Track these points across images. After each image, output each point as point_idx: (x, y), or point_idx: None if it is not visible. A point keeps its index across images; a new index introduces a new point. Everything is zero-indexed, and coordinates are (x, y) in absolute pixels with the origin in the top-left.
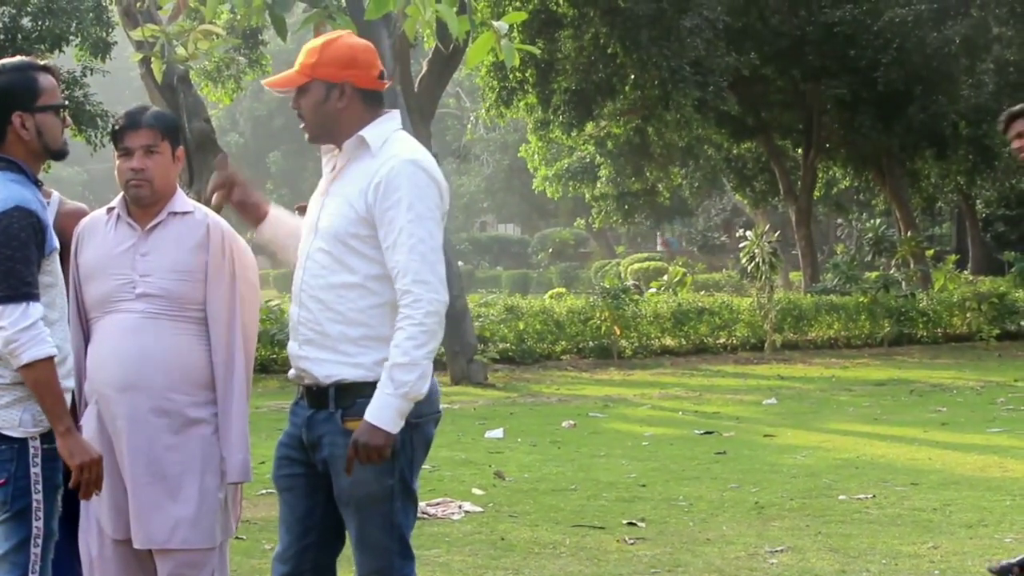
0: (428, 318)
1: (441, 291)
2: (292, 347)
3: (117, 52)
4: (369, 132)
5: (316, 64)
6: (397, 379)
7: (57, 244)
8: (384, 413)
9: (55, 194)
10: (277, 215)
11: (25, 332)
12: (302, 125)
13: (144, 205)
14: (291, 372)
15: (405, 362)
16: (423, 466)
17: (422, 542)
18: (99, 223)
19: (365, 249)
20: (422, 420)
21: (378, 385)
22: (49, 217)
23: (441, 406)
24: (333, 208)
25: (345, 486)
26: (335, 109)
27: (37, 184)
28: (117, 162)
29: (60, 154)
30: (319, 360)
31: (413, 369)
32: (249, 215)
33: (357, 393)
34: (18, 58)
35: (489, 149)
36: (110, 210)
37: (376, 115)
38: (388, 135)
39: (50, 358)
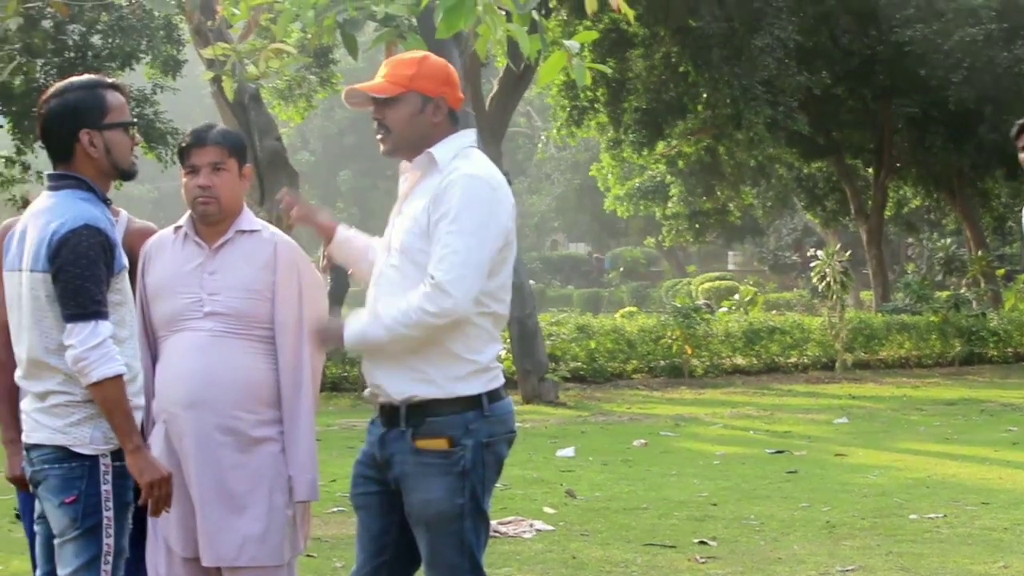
0: (424, 317)
1: (457, 307)
2: (366, 365)
3: (188, 70)
4: (438, 149)
5: (414, 76)
6: (382, 322)
7: (126, 263)
8: (354, 329)
9: (123, 213)
10: (346, 236)
11: (94, 350)
12: (380, 136)
13: (211, 223)
14: (367, 391)
15: (386, 324)
16: (495, 485)
17: (493, 560)
18: (166, 242)
19: (426, 262)
20: (495, 439)
21: (368, 315)
22: (118, 235)
23: (515, 426)
24: (401, 226)
25: (416, 504)
26: (429, 122)
27: (106, 202)
28: (184, 180)
29: (129, 173)
30: (392, 377)
31: (384, 333)
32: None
33: (428, 412)
34: (87, 76)
35: (560, 168)
36: (177, 229)
37: (454, 133)
38: (458, 151)
39: (119, 376)
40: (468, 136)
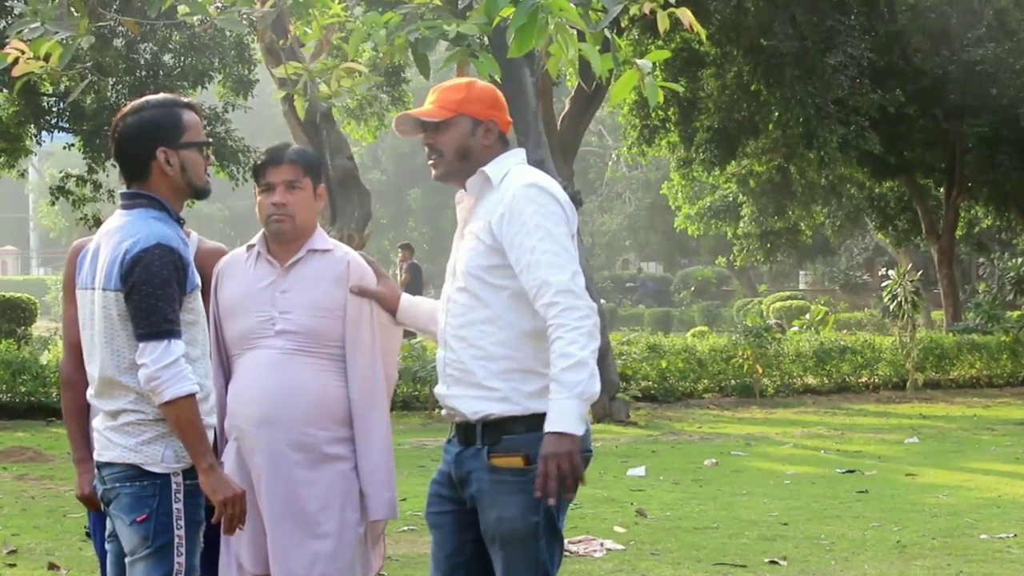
0: (583, 321)
1: (586, 297)
2: (440, 389)
3: (259, 89)
4: (491, 168)
5: (464, 100)
6: (568, 380)
7: (199, 282)
8: (564, 417)
9: (193, 233)
10: (412, 301)
11: (167, 369)
12: (432, 161)
13: (285, 241)
14: (443, 411)
15: (572, 363)
16: (568, 509)
17: None
18: (239, 260)
19: (497, 279)
20: None
21: (550, 397)
22: (190, 254)
23: (592, 445)
24: (465, 248)
25: (491, 522)
26: (480, 145)
27: (179, 222)
28: (259, 198)
29: (203, 192)
30: (466, 398)
31: (582, 368)
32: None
33: (503, 429)
34: (163, 95)
35: (631, 187)
36: (250, 247)
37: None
38: (509, 168)
39: (192, 395)
40: (519, 154)
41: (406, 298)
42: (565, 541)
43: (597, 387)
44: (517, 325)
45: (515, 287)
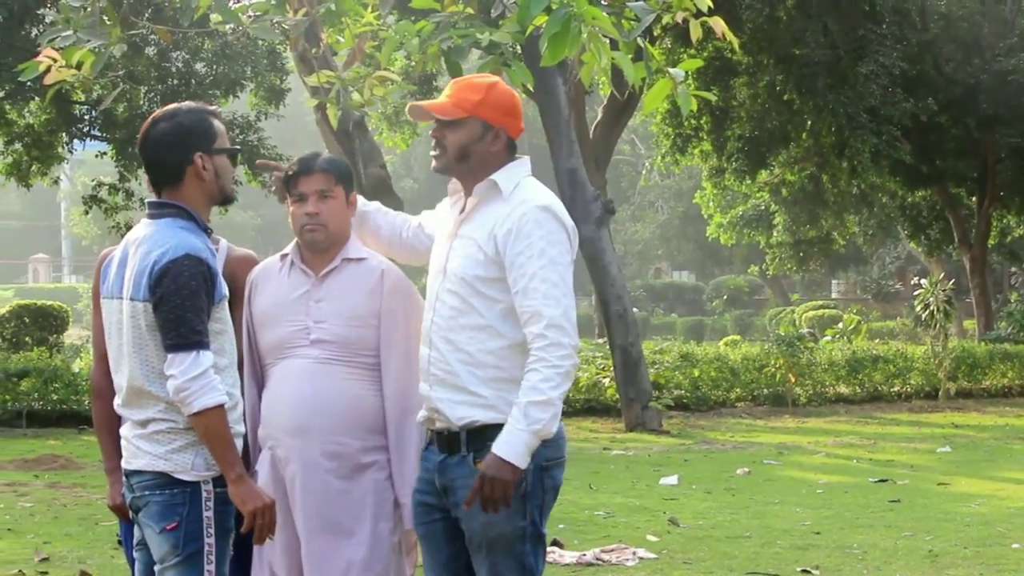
0: (563, 361)
1: (574, 336)
2: (423, 388)
3: (292, 97)
4: (500, 176)
5: (480, 103)
6: (531, 415)
7: (227, 291)
8: (513, 447)
9: (223, 241)
10: (372, 209)
11: (195, 380)
12: (435, 153)
13: (319, 250)
14: (420, 414)
15: (540, 400)
16: (597, 512)
17: None
18: (273, 269)
19: (492, 292)
20: (551, 464)
21: (509, 420)
22: (218, 264)
23: (566, 452)
24: (462, 251)
25: (476, 528)
26: (487, 151)
27: (207, 231)
28: (291, 208)
29: (231, 199)
30: (451, 402)
31: (547, 407)
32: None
33: (488, 436)
34: (191, 102)
35: (664, 196)
36: (284, 256)
37: (511, 161)
38: (519, 180)
39: (220, 406)
40: (526, 165)
41: (365, 204)
42: (596, 550)
43: (555, 428)
44: (508, 336)
45: (509, 302)
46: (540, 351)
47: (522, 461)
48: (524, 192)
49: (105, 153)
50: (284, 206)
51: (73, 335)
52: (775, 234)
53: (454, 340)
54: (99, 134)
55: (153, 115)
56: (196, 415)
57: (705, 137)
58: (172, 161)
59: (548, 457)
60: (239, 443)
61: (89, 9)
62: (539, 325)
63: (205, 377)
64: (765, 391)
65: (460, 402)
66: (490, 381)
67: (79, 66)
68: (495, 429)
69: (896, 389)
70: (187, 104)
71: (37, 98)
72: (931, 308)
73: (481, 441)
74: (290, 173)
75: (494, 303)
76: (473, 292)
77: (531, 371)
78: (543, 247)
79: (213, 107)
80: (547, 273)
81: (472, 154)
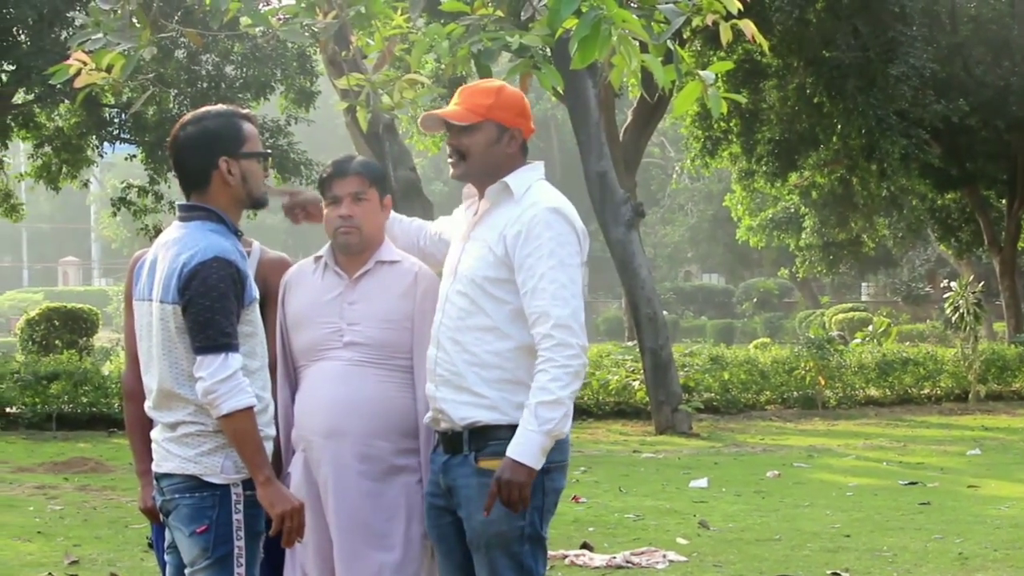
0: (571, 360)
1: (582, 336)
2: (429, 388)
3: (321, 100)
4: (512, 179)
5: (492, 106)
6: (542, 416)
7: (257, 294)
8: (527, 448)
9: (255, 244)
10: (393, 219)
11: (224, 383)
12: (452, 161)
13: (352, 253)
14: (427, 416)
15: (550, 400)
16: (627, 515)
17: None
18: (307, 272)
19: (501, 293)
20: (552, 467)
21: (520, 422)
22: (249, 267)
23: (569, 456)
24: (473, 252)
25: (476, 527)
26: (504, 153)
27: (237, 234)
28: (325, 211)
29: (261, 202)
30: (455, 402)
31: (558, 407)
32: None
33: (491, 436)
34: (221, 106)
35: (693, 199)
36: (317, 259)
37: (524, 164)
38: (531, 183)
39: (249, 408)
40: (539, 168)
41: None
42: (626, 552)
43: (567, 428)
44: (515, 338)
45: (517, 303)
46: (548, 351)
47: (536, 462)
48: (535, 195)
49: (135, 156)
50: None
51: (103, 338)
52: (805, 237)
53: (461, 341)
54: (129, 137)
55: (183, 118)
56: (224, 417)
57: (735, 140)
58: (198, 165)
59: (550, 460)
60: (269, 446)
61: (119, 12)
62: (546, 325)
63: (233, 379)
64: (795, 394)
65: (464, 403)
66: (494, 382)
67: (109, 69)
68: (497, 430)
69: (926, 392)
70: (217, 107)
71: (67, 101)
72: (961, 311)
73: (483, 441)
74: (324, 176)
75: (502, 304)
76: (482, 293)
77: (540, 372)
78: (552, 248)
79: (245, 110)
80: (556, 274)
81: (490, 157)
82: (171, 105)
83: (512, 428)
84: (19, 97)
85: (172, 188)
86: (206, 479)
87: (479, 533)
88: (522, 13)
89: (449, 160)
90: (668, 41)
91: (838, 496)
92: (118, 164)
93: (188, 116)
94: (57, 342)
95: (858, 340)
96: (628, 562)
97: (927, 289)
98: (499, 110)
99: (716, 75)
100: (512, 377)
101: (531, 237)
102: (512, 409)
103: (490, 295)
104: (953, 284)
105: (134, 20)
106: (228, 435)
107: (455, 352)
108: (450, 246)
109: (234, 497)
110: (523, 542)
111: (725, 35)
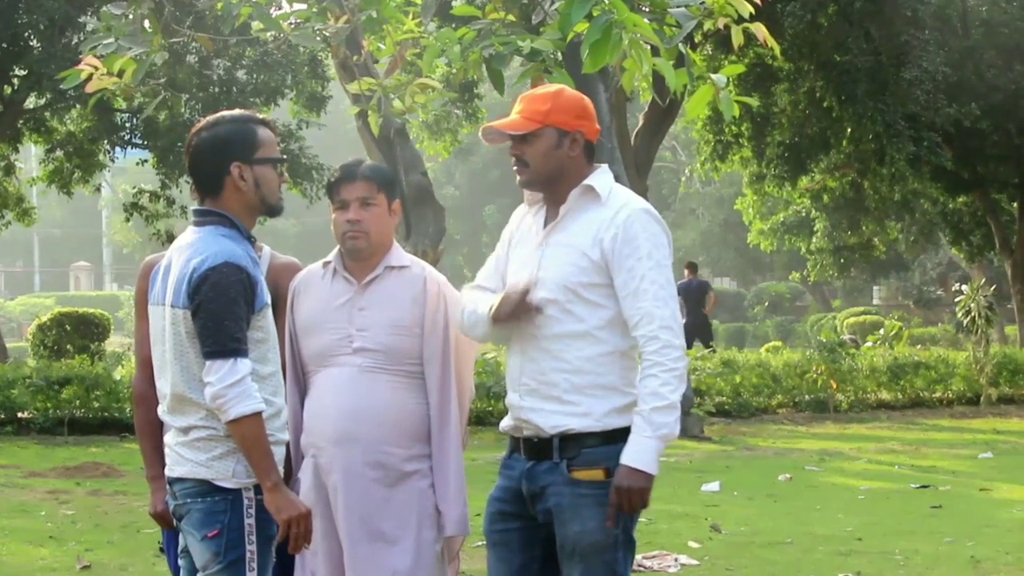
0: (677, 363)
1: (682, 337)
2: (513, 398)
3: (333, 105)
4: (596, 181)
5: (550, 111)
6: (657, 421)
7: (268, 299)
8: (643, 455)
9: (266, 248)
10: None
11: (232, 388)
12: (518, 168)
13: (361, 258)
14: (505, 423)
15: (663, 405)
16: (639, 519)
17: None
18: (316, 277)
19: (595, 297)
20: None
21: (633, 428)
22: (260, 272)
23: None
24: (559, 258)
25: (571, 536)
26: (566, 156)
27: (250, 240)
28: (333, 215)
29: (275, 209)
30: (543, 411)
31: (671, 411)
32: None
33: (582, 443)
34: (238, 111)
35: (705, 203)
36: (326, 264)
37: (593, 167)
38: (611, 184)
39: (257, 414)
40: (608, 171)
41: None
42: (638, 556)
43: (678, 431)
44: (609, 343)
45: (613, 308)
46: (655, 355)
47: (653, 468)
48: (621, 196)
49: (146, 161)
50: (326, 213)
51: (115, 343)
52: (816, 240)
53: (551, 349)
54: (140, 142)
55: (199, 123)
56: (233, 422)
57: (745, 143)
58: (210, 170)
59: None
60: (282, 451)
61: (131, 17)
62: (652, 326)
63: (242, 384)
64: (807, 397)
65: (554, 411)
66: (586, 388)
67: (120, 74)
68: (587, 437)
69: (938, 395)
70: (234, 112)
71: (79, 106)
72: (972, 314)
73: (574, 449)
74: (332, 180)
75: (597, 308)
76: (576, 299)
77: (649, 376)
78: (650, 249)
79: (262, 116)
80: (655, 275)
81: (554, 163)
82: (183, 110)
83: (602, 435)
84: (31, 102)
85: (184, 193)
86: (218, 483)
87: (575, 543)
88: (533, 17)
89: (514, 168)
90: (680, 45)
91: (850, 499)
92: (130, 169)
93: (204, 121)
94: (69, 347)
95: (870, 344)
96: (640, 566)
97: (939, 293)
98: (557, 114)
99: (728, 79)
100: (604, 383)
101: (628, 238)
102: (603, 415)
103: (585, 300)
104: (965, 288)
105: (146, 25)
106: (236, 440)
107: (543, 360)
108: (515, 255)
109: (246, 501)
110: (617, 549)
111: (737, 39)
